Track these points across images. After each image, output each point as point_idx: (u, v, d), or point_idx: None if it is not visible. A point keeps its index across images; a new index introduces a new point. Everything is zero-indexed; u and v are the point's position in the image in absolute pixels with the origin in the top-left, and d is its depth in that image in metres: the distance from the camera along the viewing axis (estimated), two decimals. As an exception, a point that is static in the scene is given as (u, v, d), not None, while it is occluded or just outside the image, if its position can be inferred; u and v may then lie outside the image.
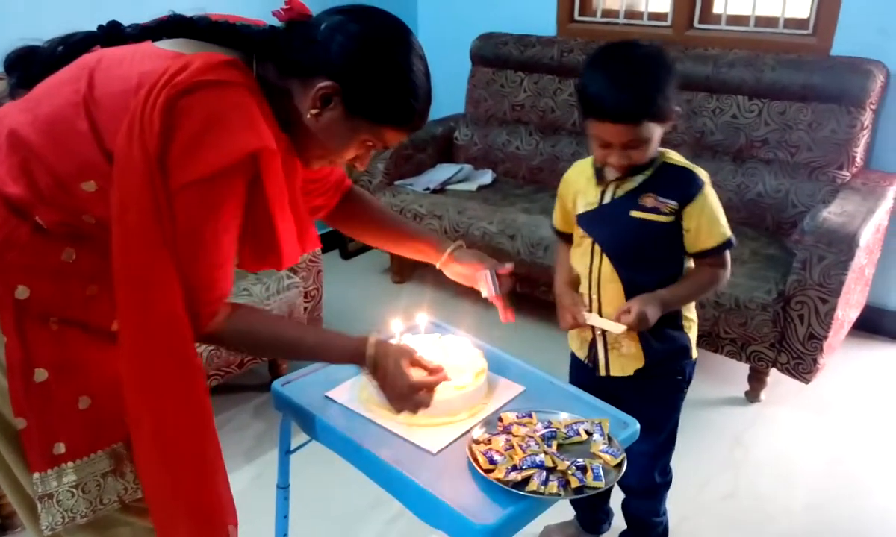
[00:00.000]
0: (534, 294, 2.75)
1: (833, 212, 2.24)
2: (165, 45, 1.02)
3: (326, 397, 1.32)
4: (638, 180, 1.41)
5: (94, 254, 1.00)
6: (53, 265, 0.99)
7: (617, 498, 1.76)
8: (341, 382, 1.36)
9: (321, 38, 1.01)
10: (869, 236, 2.24)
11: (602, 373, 1.53)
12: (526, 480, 1.10)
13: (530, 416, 1.24)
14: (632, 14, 3.17)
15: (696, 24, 2.97)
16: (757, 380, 2.43)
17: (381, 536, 1.88)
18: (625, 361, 1.51)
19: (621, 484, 1.63)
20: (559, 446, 1.18)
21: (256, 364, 2.28)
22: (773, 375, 2.41)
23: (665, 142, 1.44)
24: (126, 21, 1.10)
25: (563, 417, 1.25)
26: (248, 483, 2.04)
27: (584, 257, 1.51)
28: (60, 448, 1.01)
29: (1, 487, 1.11)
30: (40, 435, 1.01)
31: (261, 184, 1.00)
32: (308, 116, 1.03)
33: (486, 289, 1.36)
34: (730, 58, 2.70)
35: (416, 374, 1.19)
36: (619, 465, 1.14)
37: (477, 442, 1.18)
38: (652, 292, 1.42)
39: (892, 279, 2.76)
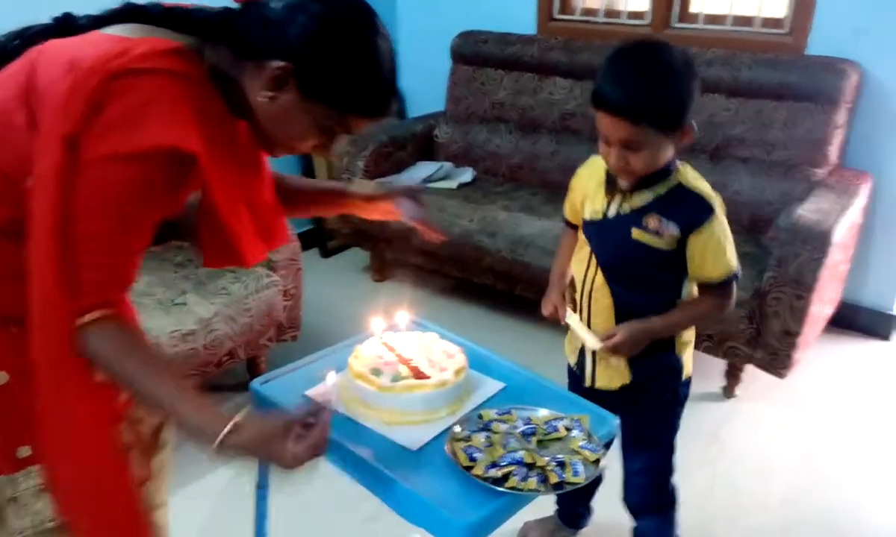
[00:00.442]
0: (514, 291, 2.76)
1: (808, 210, 2.28)
2: (114, 32, 1.00)
3: (306, 396, 1.32)
4: (647, 198, 1.36)
5: None
6: (10, 266, 0.95)
7: (611, 506, 1.73)
8: (321, 381, 1.35)
9: (278, 18, 0.96)
10: (843, 233, 2.27)
11: (588, 383, 1.52)
12: (506, 476, 1.10)
13: (510, 413, 1.25)
14: (611, 12, 3.19)
15: (674, 22, 2.99)
16: (733, 376, 2.46)
17: (362, 535, 1.88)
18: (612, 374, 1.48)
19: (627, 504, 1.64)
20: (539, 442, 1.18)
21: (234, 363, 2.26)
22: (749, 371, 2.44)
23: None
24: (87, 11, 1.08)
25: (543, 413, 1.25)
26: (226, 484, 2.03)
27: (580, 264, 1.48)
28: (25, 451, 1.00)
29: None
30: (4, 438, 0.99)
31: (205, 181, 0.97)
32: (260, 100, 0.98)
33: (411, 212, 1.33)
34: (707, 56, 2.73)
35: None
36: (598, 461, 1.15)
37: (457, 439, 1.18)
38: (644, 320, 1.39)
39: (866, 275, 2.81)
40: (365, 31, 0.99)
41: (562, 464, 1.13)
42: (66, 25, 1.04)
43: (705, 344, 2.39)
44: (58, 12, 1.06)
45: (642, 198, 1.36)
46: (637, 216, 1.36)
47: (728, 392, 2.48)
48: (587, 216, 1.46)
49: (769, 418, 2.39)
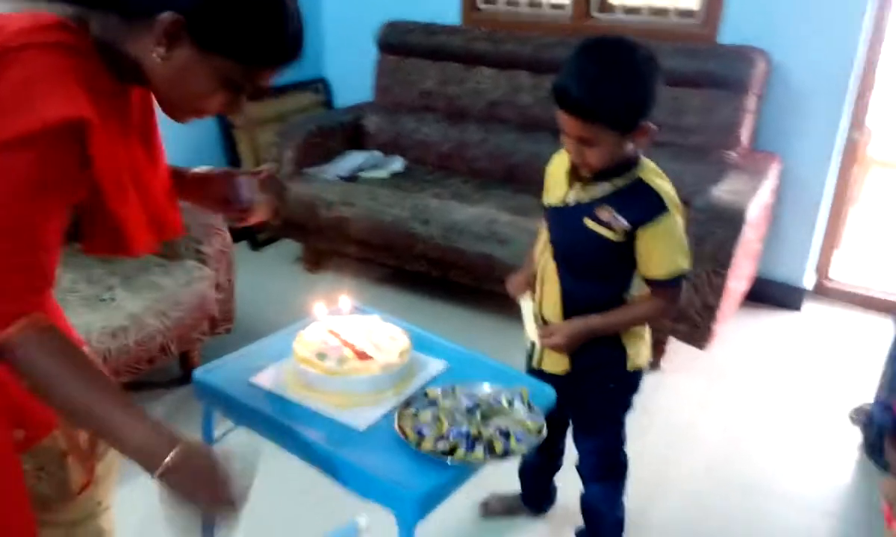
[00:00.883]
0: (449, 277, 2.80)
1: (722, 191, 2.41)
2: None
3: (251, 383, 1.32)
4: (605, 189, 1.37)
5: None
6: None
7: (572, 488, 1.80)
8: (265, 368, 1.35)
9: None
10: (755, 212, 2.42)
11: (535, 364, 1.56)
12: (453, 449, 1.14)
13: (454, 390, 1.28)
14: (534, 3, 3.27)
15: (593, 13, 3.09)
16: (657, 350, 2.58)
17: (310, 520, 1.89)
18: (555, 359, 1.52)
19: (579, 472, 1.70)
20: (483, 416, 1.22)
21: (167, 359, 2.21)
22: (672, 344, 2.57)
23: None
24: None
25: (485, 389, 1.29)
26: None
27: (541, 250, 1.52)
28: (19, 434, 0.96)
29: None
30: None
31: (93, 157, 0.88)
32: (154, 60, 0.90)
33: (244, 194, 1.21)
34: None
35: None
36: (540, 430, 1.20)
37: (404, 416, 1.21)
38: (584, 319, 1.43)
39: (777, 252, 2.99)
40: None
41: (506, 434, 1.18)
42: None
43: (632, 321, 2.50)
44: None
45: (601, 189, 1.38)
46: (593, 206, 1.39)
47: (653, 365, 2.60)
48: (550, 202, 1.48)
49: (692, 389, 2.53)
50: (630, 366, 1.52)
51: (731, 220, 2.28)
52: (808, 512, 2.02)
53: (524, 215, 2.58)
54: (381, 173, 3.08)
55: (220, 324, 2.34)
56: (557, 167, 1.49)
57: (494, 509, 1.93)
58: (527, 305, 1.52)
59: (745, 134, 2.74)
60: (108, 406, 0.90)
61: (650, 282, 1.43)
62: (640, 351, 1.53)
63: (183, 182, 1.21)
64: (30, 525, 0.98)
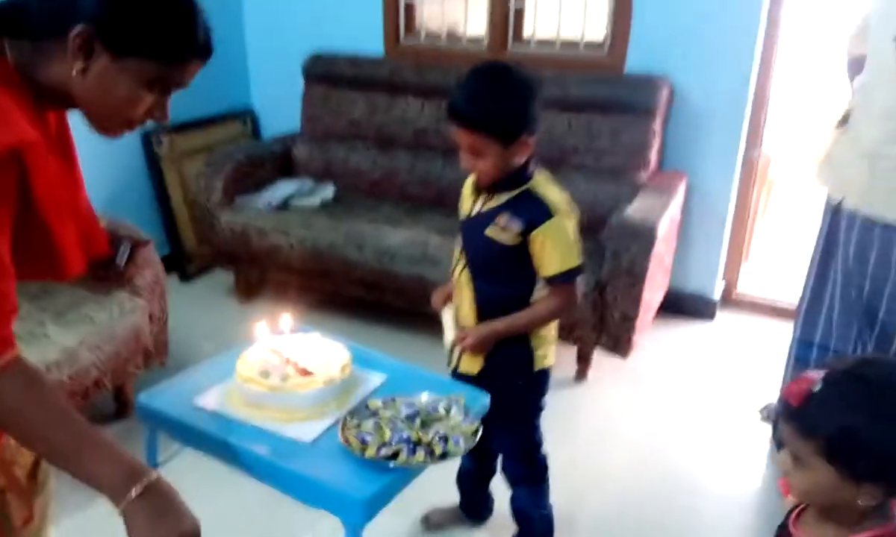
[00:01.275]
0: (384, 301, 2.88)
1: (634, 209, 2.59)
2: None
3: (195, 405, 1.36)
4: (501, 200, 1.53)
5: None
6: None
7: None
8: (208, 389, 1.40)
9: None
10: (665, 227, 2.61)
11: (452, 366, 1.69)
12: (395, 454, 1.22)
13: (394, 400, 1.36)
14: (452, 36, 3.42)
15: (509, 46, 3.27)
16: (583, 361, 2.74)
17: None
18: (471, 361, 1.65)
19: (504, 474, 1.82)
20: (422, 423, 1.31)
21: (101, 394, 2.19)
22: (596, 356, 2.72)
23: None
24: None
25: (424, 398, 1.38)
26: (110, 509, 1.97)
27: (456, 259, 1.67)
28: None
29: None
30: None
31: (28, 184, 0.89)
32: (75, 78, 0.90)
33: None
34: (540, 76, 3.01)
35: None
36: (476, 432, 1.30)
37: (348, 427, 1.28)
38: (490, 323, 1.58)
39: (687, 265, 3.21)
40: None
41: (444, 439, 1.26)
42: None
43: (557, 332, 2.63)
44: None
45: (498, 200, 1.55)
46: (492, 215, 1.54)
47: (580, 375, 2.75)
48: (461, 216, 1.64)
49: (616, 396, 2.68)
50: (537, 365, 1.66)
51: (643, 236, 2.46)
52: (725, 505, 2.19)
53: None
54: (313, 201, 3.14)
55: (154, 357, 2.34)
56: (467, 186, 1.65)
57: (436, 521, 2.00)
58: (447, 314, 1.66)
59: (653, 155, 2.94)
60: (77, 441, 0.92)
61: (548, 282, 1.57)
62: (546, 352, 1.67)
63: None
64: None
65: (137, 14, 0.89)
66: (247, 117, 3.84)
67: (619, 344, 2.57)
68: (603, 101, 2.94)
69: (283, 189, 3.17)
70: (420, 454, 1.23)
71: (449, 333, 1.64)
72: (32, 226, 0.92)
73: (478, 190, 1.59)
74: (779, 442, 1.07)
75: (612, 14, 3.04)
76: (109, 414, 2.39)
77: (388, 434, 1.25)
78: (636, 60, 3.03)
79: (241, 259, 3.09)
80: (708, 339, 3.13)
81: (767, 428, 2.48)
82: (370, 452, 1.21)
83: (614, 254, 2.48)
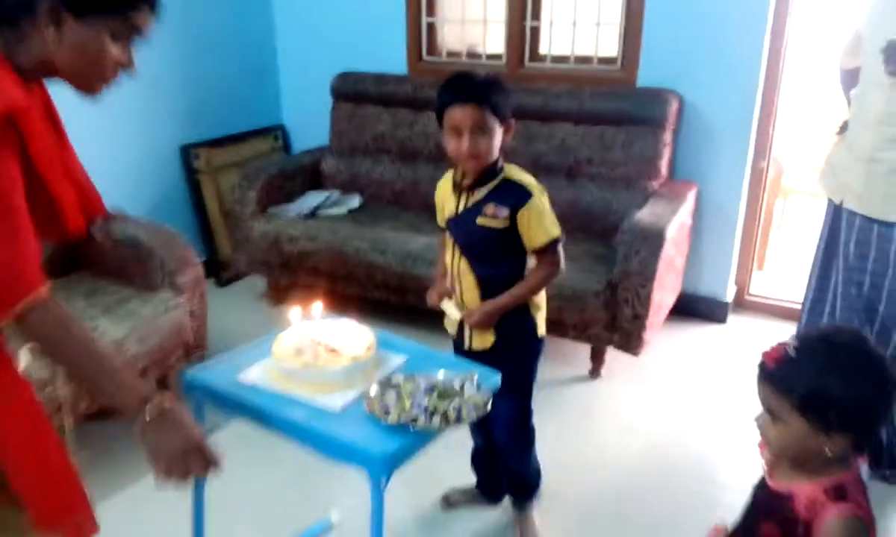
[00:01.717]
0: (406, 301, 3.03)
1: (645, 215, 2.73)
2: None
3: (238, 380, 1.53)
4: (483, 193, 1.74)
5: None
6: None
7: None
8: (248, 367, 1.57)
9: None
10: (674, 231, 2.74)
11: (467, 346, 1.85)
12: (414, 420, 1.37)
13: (414, 376, 1.52)
14: (472, 54, 3.60)
15: (526, 63, 3.44)
16: (597, 359, 2.86)
17: (285, 522, 2.07)
18: (483, 337, 1.83)
19: (497, 447, 1.97)
20: (439, 395, 1.46)
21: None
22: (610, 354, 2.85)
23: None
24: None
25: (440, 375, 1.53)
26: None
27: (449, 254, 1.84)
28: None
29: None
30: None
31: (25, 147, 1.03)
32: (52, 48, 1.05)
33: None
34: (556, 90, 3.18)
35: None
36: (486, 403, 1.45)
37: (372, 398, 1.44)
38: (494, 299, 1.76)
39: (699, 269, 3.33)
40: None
41: (458, 408, 1.41)
42: None
43: (572, 332, 2.77)
44: None
45: (480, 194, 1.74)
46: (478, 207, 1.74)
47: (594, 373, 2.88)
48: (447, 215, 1.83)
49: (629, 392, 2.80)
50: (539, 332, 1.86)
51: (652, 239, 2.59)
52: (734, 494, 2.28)
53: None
54: (340, 210, 3.33)
55: (194, 351, 2.53)
56: (443, 190, 1.85)
57: (455, 500, 2.15)
58: (449, 306, 1.85)
59: (663, 165, 3.08)
60: (105, 363, 1.13)
61: (535, 253, 1.77)
62: (542, 321, 1.87)
63: None
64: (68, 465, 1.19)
65: None
66: (278, 133, 4.06)
67: (631, 341, 2.69)
68: (615, 113, 3.09)
69: (312, 199, 3.37)
70: (436, 420, 1.38)
71: (456, 318, 1.83)
72: (33, 188, 1.07)
73: (458, 190, 1.78)
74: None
75: (623, 31, 3.20)
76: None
77: (408, 403, 1.41)
78: (647, 75, 3.18)
79: (273, 265, 3.28)
80: (719, 340, 3.23)
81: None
82: (392, 418, 1.37)
83: (625, 256, 2.61)
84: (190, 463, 1.17)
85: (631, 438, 2.53)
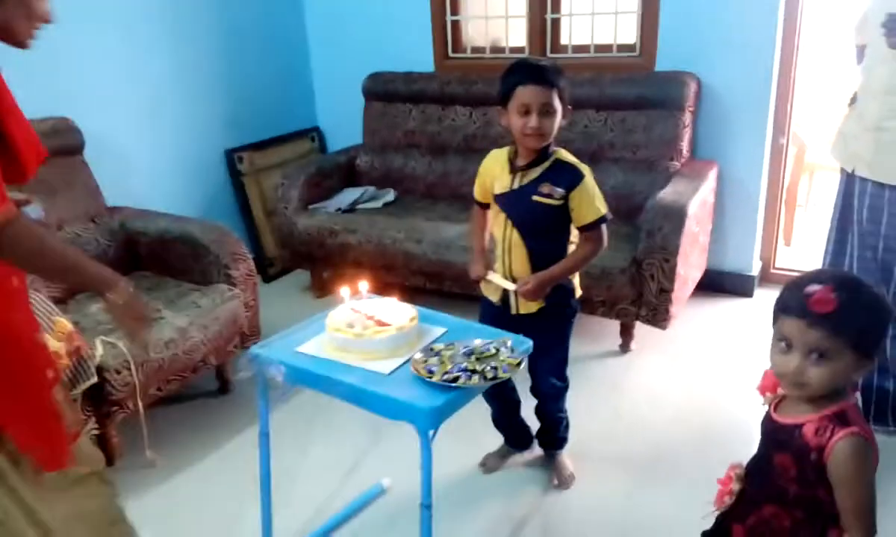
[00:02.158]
0: (442, 287, 3.21)
1: (667, 193, 2.85)
2: None
3: (297, 351, 1.71)
4: (538, 172, 1.90)
5: None
6: None
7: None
8: (303, 341, 1.75)
9: None
10: (696, 208, 2.86)
11: (514, 311, 2.02)
12: (455, 379, 1.54)
13: (453, 344, 1.69)
14: (496, 48, 3.76)
15: (548, 53, 3.58)
16: (626, 334, 3.00)
17: (341, 489, 2.26)
18: (528, 304, 2.00)
19: (534, 393, 2.17)
20: (477, 358, 1.62)
21: (207, 369, 2.59)
22: (640, 330, 2.98)
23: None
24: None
25: (478, 341, 1.69)
26: (220, 461, 2.38)
27: (499, 228, 2.01)
28: None
29: None
30: None
31: None
32: None
33: None
34: (578, 79, 3.30)
35: None
36: (519, 364, 1.61)
37: (417, 362, 1.61)
38: (547, 271, 1.93)
39: (724, 246, 3.44)
40: None
41: (494, 368, 1.58)
42: None
43: (601, 309, 2.91)
44: None
45: (535, 173, 1.91)
46: (534, 185, 1.90)
47: (624, 347, 3.01)
48: (498, 191, 1.98)
49: (658, 365, 2.93)
50: (577, 293, 2.07)
51: (674, 216, 2.72)
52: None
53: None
54: (376, 204, 3.51)
55: (249, 339, 2.73)
56: (493, 164, 2.01)
57: (492, 464, 2.32)
58: (496, 277, 2.01)
59: (684, 145, 3.20)
60: (77, 258, 1.37)
61: (583, 230, 1.93)
62: (578, 282, 2.08)
63: None
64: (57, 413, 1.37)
65: None
66: (314, 134, 4.27)
67: (658, 315, 2.82)
68: (636, 98, 3.22)
69: (349, 195, 3.56)
70: (475, 378, 1.54)
71: (505, 284, 1.98)
72: None
73: (513, 168, 1.94)
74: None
75: (640, 18, 3.32)
76: (212, 391, 2.80)
77: (449, 366, 1.58)
78: (665, 60, 3.30)
79: (316, 258, 3.48)
80: (746, 314, 3.33)
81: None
82: (436, 377, 1.54)
83: (649, 233, 2.75)
84: (148, 319, 1.49)
85: (660, 407, 2.66)
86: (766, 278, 3.57)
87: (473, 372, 1.56)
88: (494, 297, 2.07)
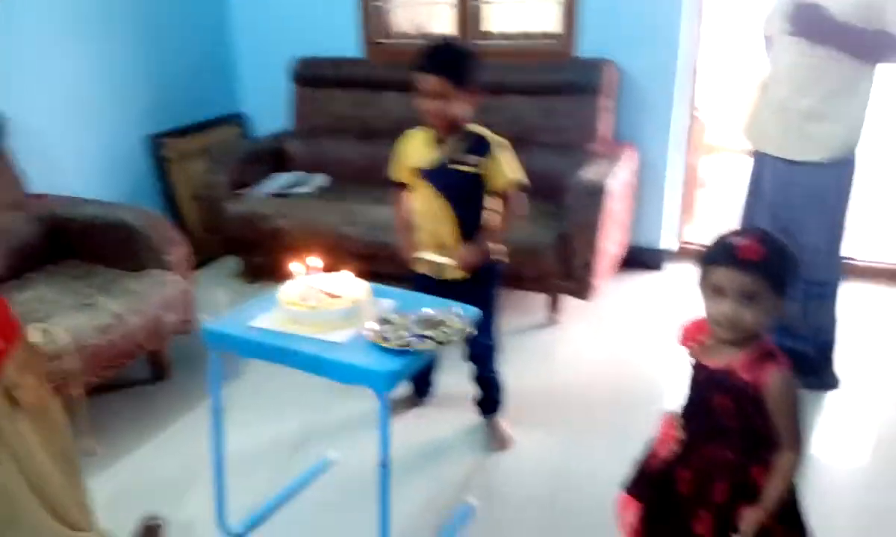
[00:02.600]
0: (379, 270, 3.25)
1: (588, 173, 3.02)
2: None
3: (250, 326, 1.75)
4: (457, 146, 2.07)
5: None
6: None
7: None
8: (255, 316, 1.79)
9: None
10: (615, 187, 3.04)
11: (445, 277, 2.15)
12: (409, 344, 1.63)
13: (405, 313, 1.77)
14: (422, 34, 3.84)
15: (473, 39, 3.69)
16: (554, 307, 3.16)
17: (287, 464, 2.31)
18: (456, 271, 2.14)
19: (469, 358, 2.31)
20: (427, 325, 1.72)
21: (143, 353, 2.56)
22: (566, 304, 3.16)
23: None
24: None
25: (427, 310, 1.79)
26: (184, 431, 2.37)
27: (424, 202, 2.12)
28: None
29: None
30: None
31: None
32: None
33: None
34: (503, 64, 3.44)
35: None
36: (466, 328, 1.71)
37: (372, 329, 1.69)
38: (477, 242, 2.08)
39: (644, 224, 3.66)
40: None
41: (445, 333, 1.68)
42: None
43: (530, 284, 3.06)
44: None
45: (455, 147, 2.08)
46: (455, 157, 2.07)
47: (552, 319, 3.18)
48: (423, 166, 2.11)
49: (584, 334, 3.11)
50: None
51: (594, 193, 2.89)
52: (670, 396, 2.62)
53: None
54: (307, 189, 3.53)
55: (186, 324, 2.71)
56: (412, 143, 2.17)
57: (397, 410, 2.49)
58: (428, 253, 2.15)
59: (604, 128, 3.38)
60: None
61: (503, 197, 2.11)
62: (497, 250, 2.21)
63: None
64: None
65: None
66: (239, 119, 4.22)
67: (582, 287, 3.00)
68: (558, 83, 3.38)
69: (278, 180, 3.56)
70: (427, 343, 1.64)
71: (446, 261, 2.12)
72: None
73: (437, 141, 2.10)
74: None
75: (562, 7, 3.48)
76: (149, 379, 2.77)
77: (402, 332, 1.66)
78: (585, 47, 3.47)
79: (247, 244, 3.46)
80: (658, 285, 3.59)
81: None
82: (391, 343, 1.62)
83: (572, 210, 2.91)
84: None
85: (588, 372, 2.84)
86: (676, 253, 3.83)
87: (425, 337, 1.66)
88: (425, 269, 2.20)
